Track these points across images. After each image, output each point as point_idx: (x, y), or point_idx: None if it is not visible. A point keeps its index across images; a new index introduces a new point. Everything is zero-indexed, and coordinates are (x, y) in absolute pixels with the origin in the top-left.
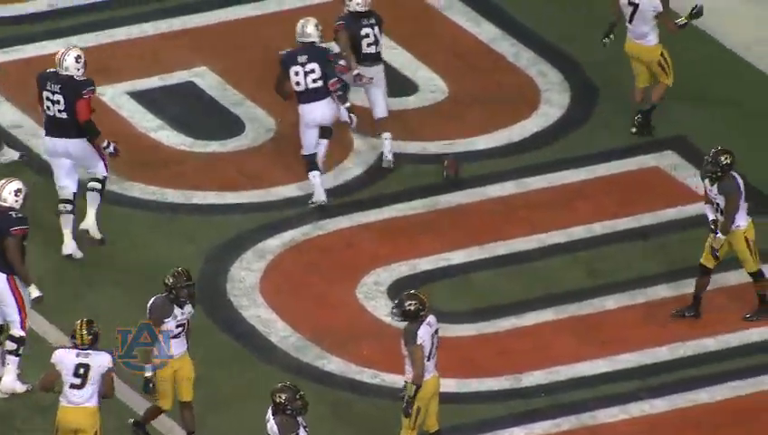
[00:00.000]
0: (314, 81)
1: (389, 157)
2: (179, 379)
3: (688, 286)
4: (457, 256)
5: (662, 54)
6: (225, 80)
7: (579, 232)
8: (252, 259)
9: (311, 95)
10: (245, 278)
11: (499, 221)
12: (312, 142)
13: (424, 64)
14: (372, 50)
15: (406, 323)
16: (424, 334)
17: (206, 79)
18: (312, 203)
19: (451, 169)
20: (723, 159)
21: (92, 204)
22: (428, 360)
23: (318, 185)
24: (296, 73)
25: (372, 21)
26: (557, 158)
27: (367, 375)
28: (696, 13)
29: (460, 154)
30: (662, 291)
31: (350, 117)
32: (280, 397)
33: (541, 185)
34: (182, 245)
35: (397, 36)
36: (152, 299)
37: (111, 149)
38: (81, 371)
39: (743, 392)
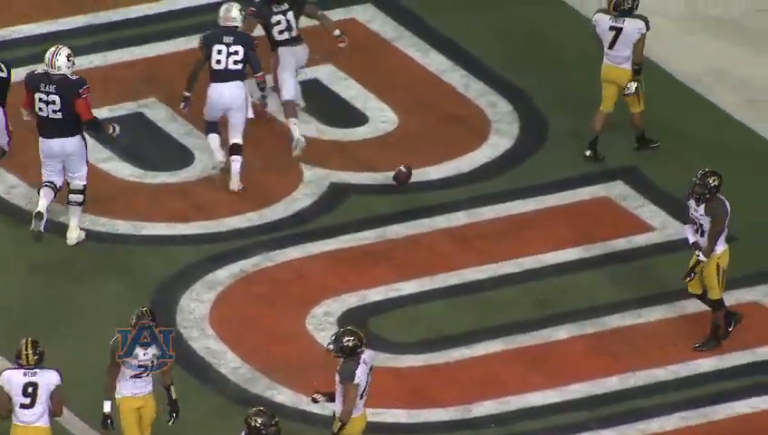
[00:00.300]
0: (236, 62)
1: (299, 138)
2: (142, 417)
3: (638, 316)
4: (408, 287)
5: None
6: (173, 110)
7: (529, 262)
8: (201, 290)
9: (227, 75)
10: (195, 310)
11: (449, 251)
12: (215, 114)
13: (374, 95)
14: (285, 36)
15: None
16: (361, 374)
17: (154, 110)
18: (213, 169)
19: (402, 177)
20: (711, 180)
21: (75, 216)
22: (361, 398)
23: (216, 148)
24: (219, 52)
25: (284, 7)
26: (507, 188)
27: (317, 406)
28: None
29: (411, 184)
30: (612, 321)
31: (262, 102)
32: (255, 421)
33: (491, 215)
34: (132, 276)
35: (346, 67)
36: (115, 336)
37: (117, 130)
38: (30, 389)
39: (692, 423)
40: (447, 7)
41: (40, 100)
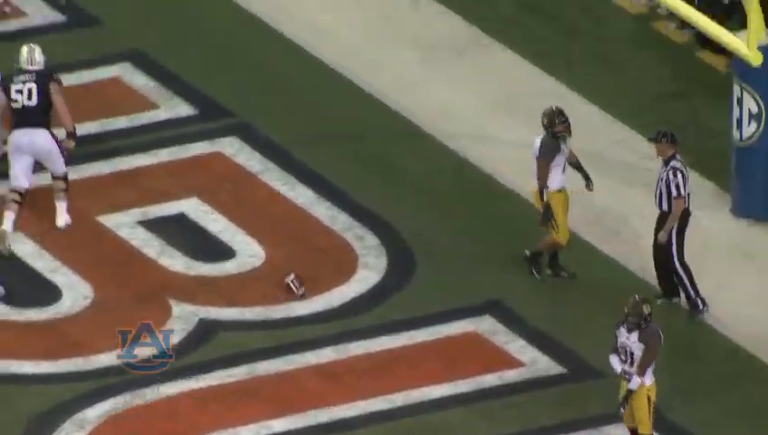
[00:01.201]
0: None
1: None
2: None
3: None
4: (278, 425)
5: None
6: (40, 246)
7: (400, 399)
8: (71, 429)
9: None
10: None
11: (319, 388)
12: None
13: (241, 229)
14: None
15: None
16: None
17: (20, 246)
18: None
19: (294, 287)
20: (644, 308)
21: (61, 204)
22: None
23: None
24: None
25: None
26: (376, 323)
27: None
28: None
29: (279, 320)
30: None
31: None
32: None
33: (361, 351)
34: (0, 415)
35: (213, 202)
36: None
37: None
38: None
39: None
40: (312, 140)
41: (18, 91)
